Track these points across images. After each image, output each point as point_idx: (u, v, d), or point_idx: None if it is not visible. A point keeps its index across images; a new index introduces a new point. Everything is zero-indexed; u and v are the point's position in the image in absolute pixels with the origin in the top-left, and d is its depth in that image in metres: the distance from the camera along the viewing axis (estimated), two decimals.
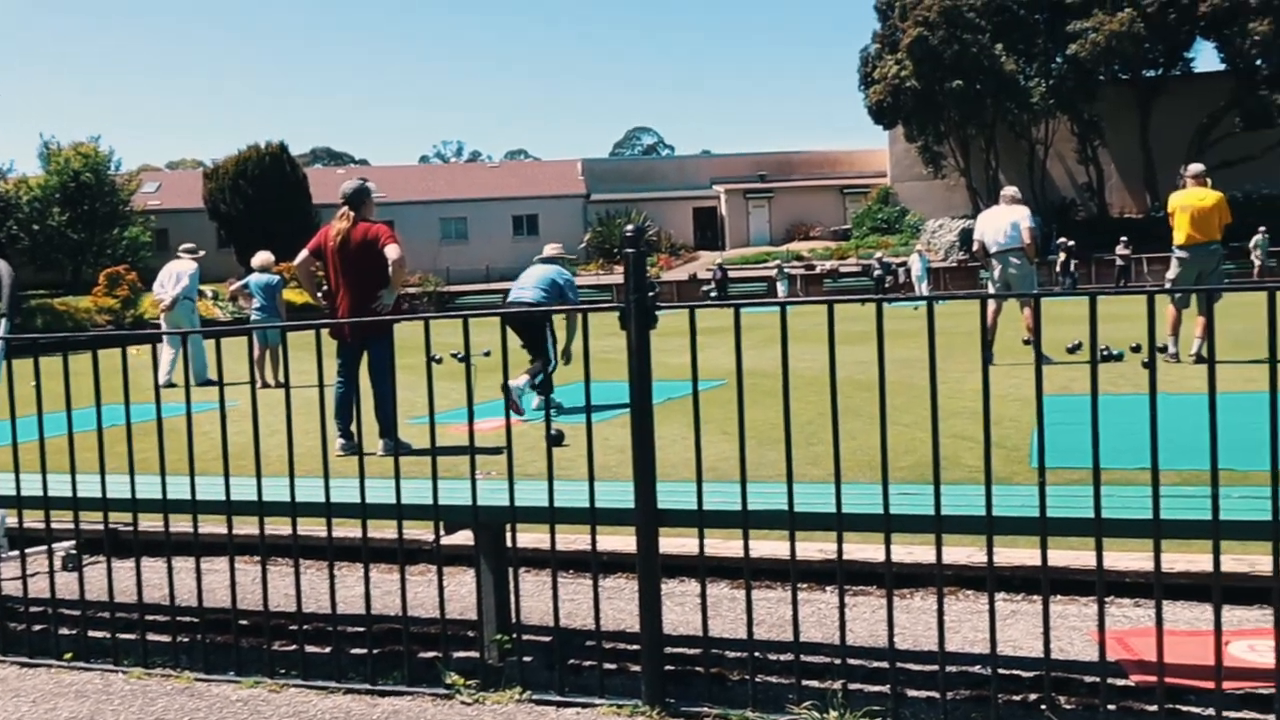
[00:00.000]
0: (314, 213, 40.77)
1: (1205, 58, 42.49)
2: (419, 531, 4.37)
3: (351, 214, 6.97)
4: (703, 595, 2.97)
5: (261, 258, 12.88)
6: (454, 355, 13.69)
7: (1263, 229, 35.58)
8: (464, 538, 4.11)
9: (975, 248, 11.94)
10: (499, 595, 3.30)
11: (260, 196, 41.94)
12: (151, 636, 3.57)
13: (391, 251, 6.81)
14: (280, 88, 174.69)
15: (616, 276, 40.44)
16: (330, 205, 7.24)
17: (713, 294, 39.45)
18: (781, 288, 39.10)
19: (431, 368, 3.35)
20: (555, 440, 6.86)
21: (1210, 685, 2.62)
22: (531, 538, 4.29)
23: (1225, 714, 2.59)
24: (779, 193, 52.10)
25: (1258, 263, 35.16)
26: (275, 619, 3.52)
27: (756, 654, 3.28)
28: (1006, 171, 42.30)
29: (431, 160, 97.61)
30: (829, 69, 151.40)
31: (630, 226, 3.02)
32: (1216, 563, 2.52)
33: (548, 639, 3.49)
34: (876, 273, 38.59)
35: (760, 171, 53.16)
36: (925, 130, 43.56)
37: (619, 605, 3.92)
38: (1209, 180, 10.85)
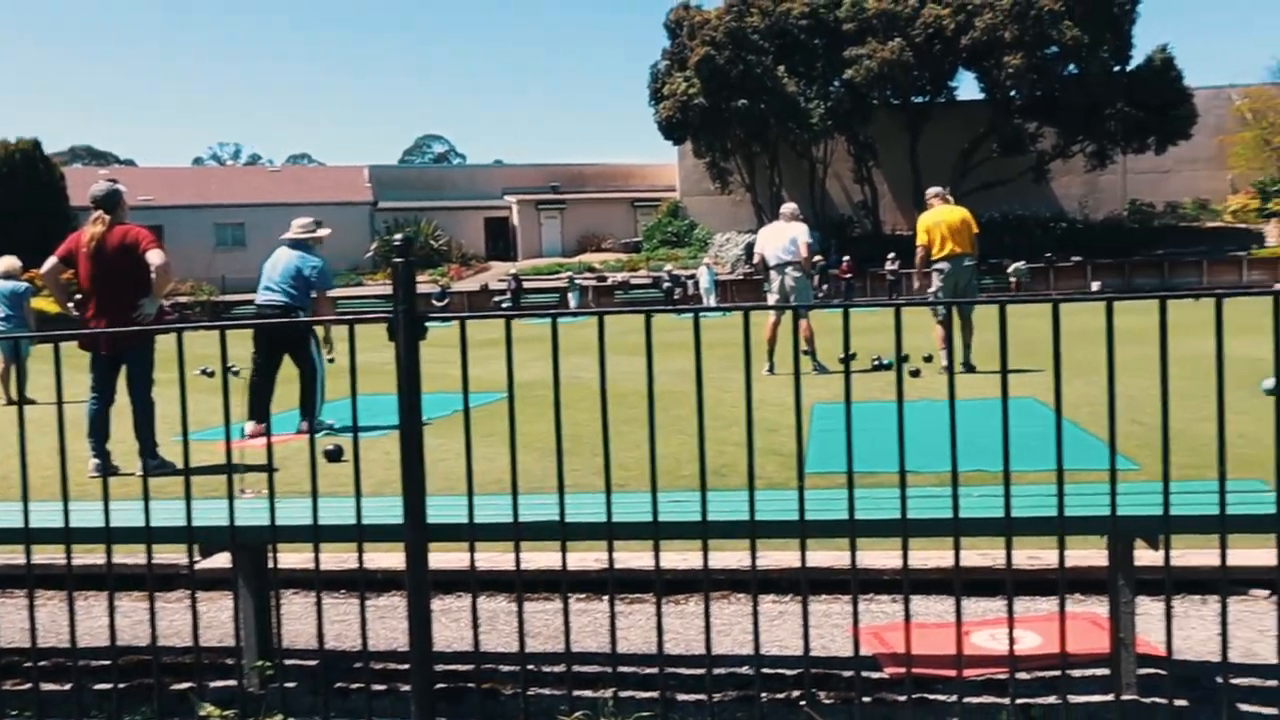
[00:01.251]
0: (72, 215, 38.07)
1: (967, 87, 45.53)
2: (176, 556, 4.13)
3: (106, 218, 6.54)
4: (473, 610, 2.92)
5: (5, 263, 11.93)
6: (228, 368, 13.10)
7: (1023, 261, 38.47)
8: (226, 560, 3.91)
9: (756, 261, 12.36)
10: (260, 620, 3.15)
11: (8, 197, 38.79)
12: None
13: (154, 257, 6.41)
14: (35, 82, 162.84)
15: None
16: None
17: (506, 304, 39.32)
18: (573, 299, 39.35)
19: (186, 381, 3.17)
20: (333, 456, 6.64)
21: (954, 673, 2.77)
22: (301, 557, 4.13)
23: (966, 700, 2.74)
24: (571, 204, 52.46)
25: (1014, 280, 37.88)
26: (7, 656, 3.24)
27: (530, 666, 3.26)
28: (789, 188, 44.02)
29: (207, 162, 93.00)
30: (621, 83, 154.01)
31: (399, 235, 2.95)
32: (957, 559, 2.67)
33: (314, 663, 3.36)
34: (666, 285, 39.41)
35: (553, 182, 53.40)
36: (713, 146, 44.81)
37: (392, 624, 3.82)
38: (950, 198, 11.61)
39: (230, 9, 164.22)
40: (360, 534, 2.97)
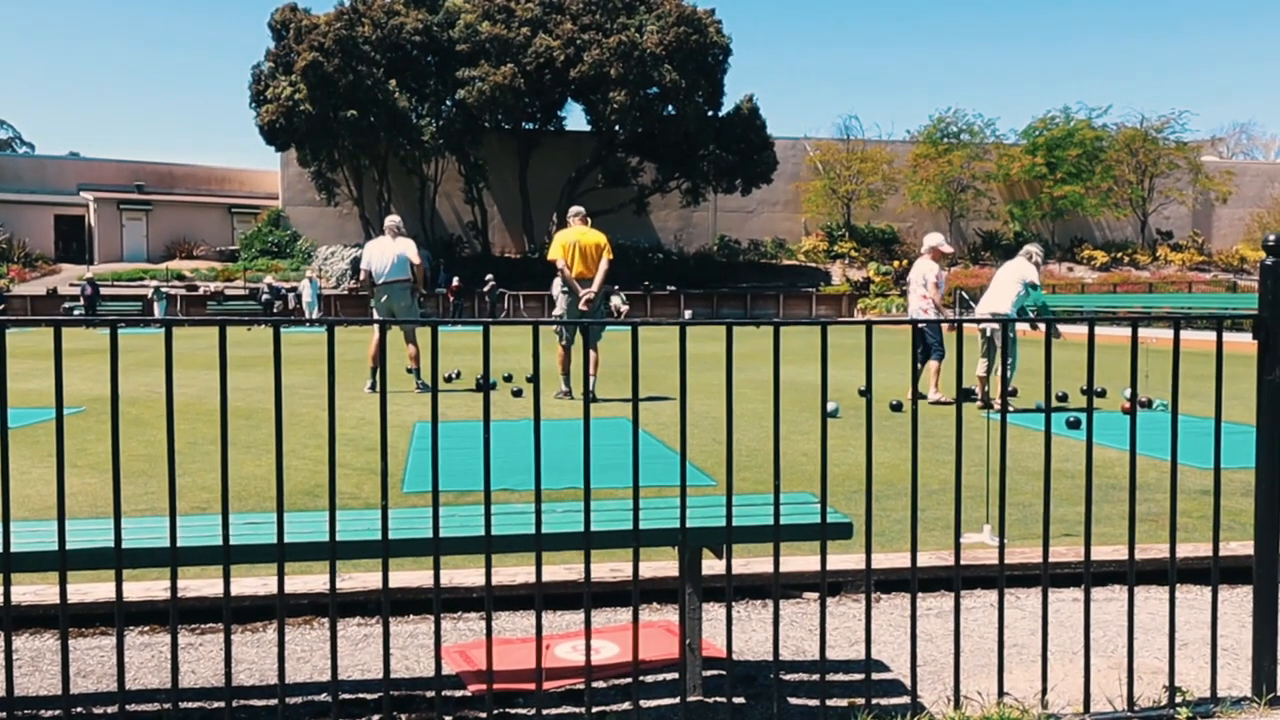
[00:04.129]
0: None
1: (575, 118, 47.26)
2: None
3: None
4: (7, 648, 2.58)
5: None
6: None
7: (616, 286, 40.29)
8: None
9: (363, 277, 12.07)
10: None
11: None
12: None
13: None
14: None
15: None
16: None
17: (79, 311, 35.72)
18: (158, 308, 36.52)
19: None
20: None
21: (534, 687, 2.80)
22: None
23: (545, 711, 2.79)
24: (159, 206, 48.68)
25: (620, 307, 39.73)
26: None
27: (77, 709, 2.94)
28: (399, 204, 43.54)
29: None
30: (218, 81, 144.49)
31: None
32: (538, 574, 2.71)
33: None
34: (265, 297, 37.62)
35: (138, 181, 49.29)
36: (319, 156, 43.40)
37: None
38: (589, 220, 11.45)
39: None
40: None
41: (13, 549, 2.58)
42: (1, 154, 67.64)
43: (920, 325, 10.53)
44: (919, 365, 11.13)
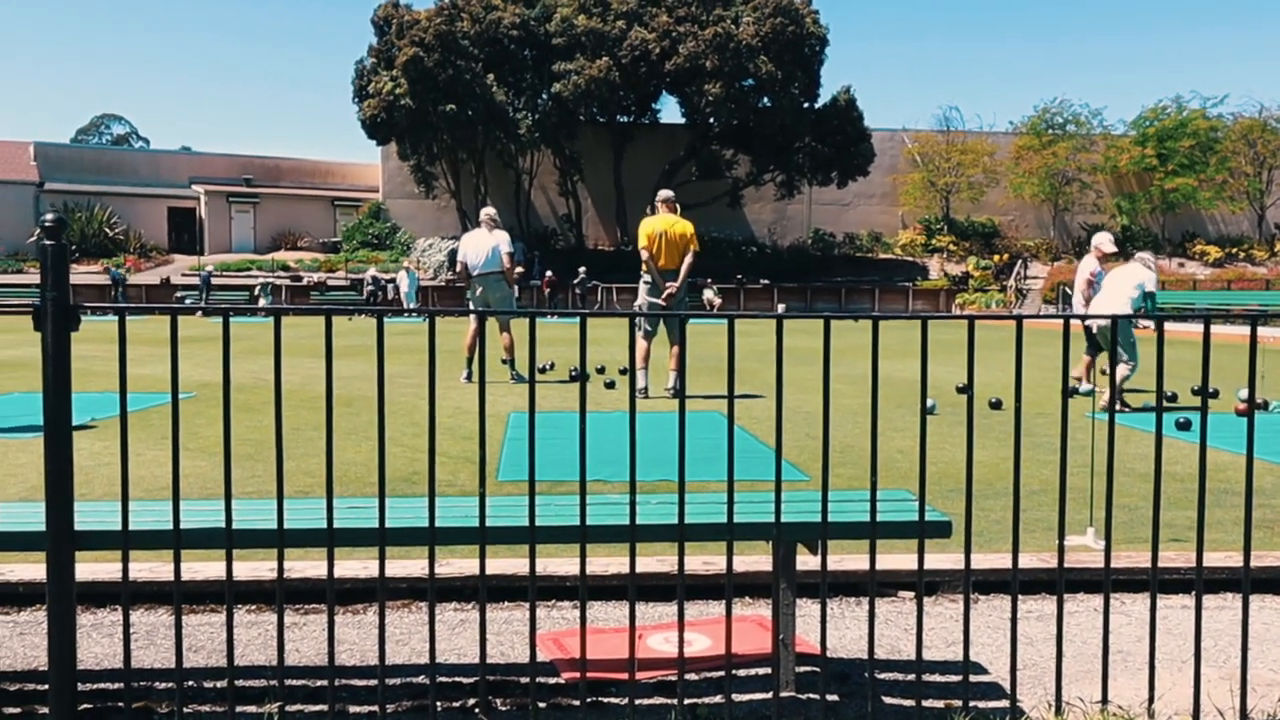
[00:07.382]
0: None
1: (670, 110, 47.35)
2: None
3: None
4: (125, 622, 2.69)
5: None
6: None
7: (709, 280, 40.23)
8: None
9: (459, 269, 12.26)
10: None
11: None
12: None
13: None
14: None
15: (76, 276, 36.58)
16: None
17: (190, 300, 37.01)
18: (264, 299, 37.63)
19: None
20: None
21: (628, 676, 2.83)
22: None
23: (638, 701, 2.81)
24: (266, 199, 50.09)
25: (713, 300, 39.69)
26: None
27: (189, 682, 3.06)
28: (495, 197, 44.08)
29: None
30: (323, 77, 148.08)
31: (50, 216, 2.68)
32: (632, 565, 2.73)
33: None
34: (369, 288, 38.48)
35: (246, 175, 50.77)
36: (418, 150, 44.18)
37: (34, 641, 3.46)
38: (678, 207, 10.99)
39: None
40: None
41: (130, 528, 2.69)
42: (119, 149, 70.31)
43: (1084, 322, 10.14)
44: (1092, 359, 10.98)
